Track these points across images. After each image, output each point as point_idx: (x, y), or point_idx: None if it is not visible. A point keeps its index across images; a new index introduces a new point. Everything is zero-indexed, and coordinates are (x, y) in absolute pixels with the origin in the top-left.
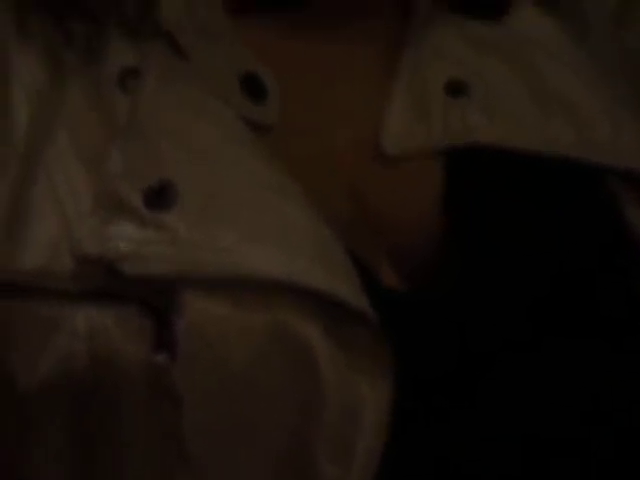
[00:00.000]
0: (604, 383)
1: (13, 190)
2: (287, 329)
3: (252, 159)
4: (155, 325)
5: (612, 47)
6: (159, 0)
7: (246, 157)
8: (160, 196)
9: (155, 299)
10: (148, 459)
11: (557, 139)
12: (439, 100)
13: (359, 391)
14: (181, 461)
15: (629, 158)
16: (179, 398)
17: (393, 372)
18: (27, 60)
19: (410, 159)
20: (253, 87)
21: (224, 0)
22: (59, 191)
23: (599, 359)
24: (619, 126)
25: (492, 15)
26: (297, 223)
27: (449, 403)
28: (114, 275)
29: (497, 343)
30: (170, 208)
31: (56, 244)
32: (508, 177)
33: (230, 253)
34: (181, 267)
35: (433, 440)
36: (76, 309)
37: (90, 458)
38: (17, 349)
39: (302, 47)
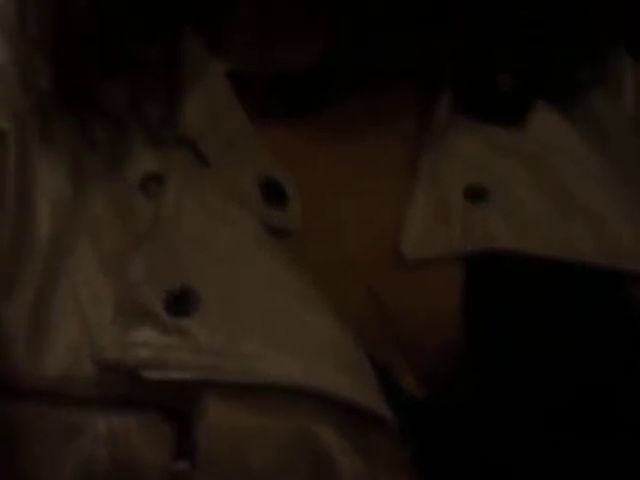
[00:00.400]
0: None
1: (36, 297)
2: (308, 436)
3: (272, 264)
4: (176, 431)
5: (631, 152)
6: (182, 108)
7: (266, 262)
8: (181, 302)
9: (176, 405)
10: None
11: (577, 245)
12: (459, 205)
13: None
14: None
15: None
16: None
17: (412, 474)
18: (51, 168)
19: (430, 264)
20: (273, 192)
21: (245, 106)
22: (81, 297)
23: (619, 461)
24: (635, 229)
25: (511, 121)
26: (317, 329)
27: None
28: (135, 381)
29: (517, 452)
30: (191, 314)
31: (78, 350)
32: (527, 281)
33: (251, 360)
34: (203, 373)
35: None
36: (98, 415)
37: None
38: (40, 453)
39: (322, 150)
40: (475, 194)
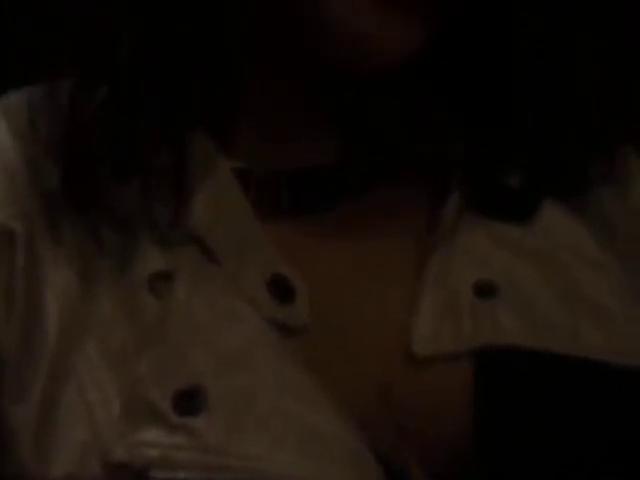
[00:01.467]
0: None
1: (44, 397)
2: None
3: (281, 365)
4: None
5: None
6: (190, 207)
7: (275, 363)
8: (189, 401)
9: None
10: None
11: (585, 342)
12: (468, 301)
13: None
14: None
15: None
16: None
17: None
18: (59, 268)
19: (440, 360)
20: (281, 289)
21: (255, 203)
22: (88, 397)
23: None
24: None
25: (520, 218)
26: (324, 431)
27: None
28: None
29: None
30: (199, 413)
31: (85, 450)
32: (536, 377)
33: (258, 461)
34: (210, 474)
35: None
36: None
37: None
38: None
39: (331, 247)
40: (484, 290)
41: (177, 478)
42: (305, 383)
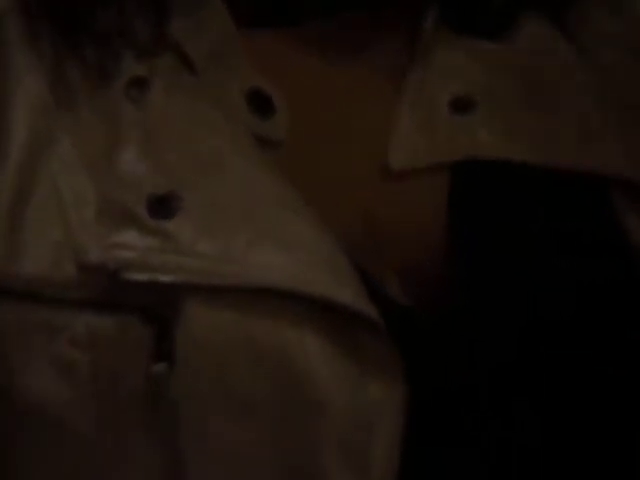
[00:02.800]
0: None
1: (14, 198)
2: (289, 338)
3: (258, 172)
4: (155, 334)
5: (623, 66)
6: (170, 15)
7: (252, 169)
8: (164, 205)
9: (157, 308)
10: (147, 471)
11: (561, 152)
12: (444, 116)
13: (370, 396)
14: (178, 476)
15: (632, 170)
16: (176, 408)
17: (404, 376)
18: (34, 72)
19: (416, 174)
20: (260, 103)
21: (234, 15)
22: (63, 198)
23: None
24: (623, 139)
25: (499, 33)
26: (302, 234)
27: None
28: (117, 283)
29: (505, 357)
30: (173, 217)
31: (59, 251)
32: (510, 189)
33: (233, 263)
34: (185, 276)
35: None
36: (77, 316)
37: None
38: (18, 355)
39: (309, 64)
40: (462, 105)
41: (151, 280)
42: (285, 192)
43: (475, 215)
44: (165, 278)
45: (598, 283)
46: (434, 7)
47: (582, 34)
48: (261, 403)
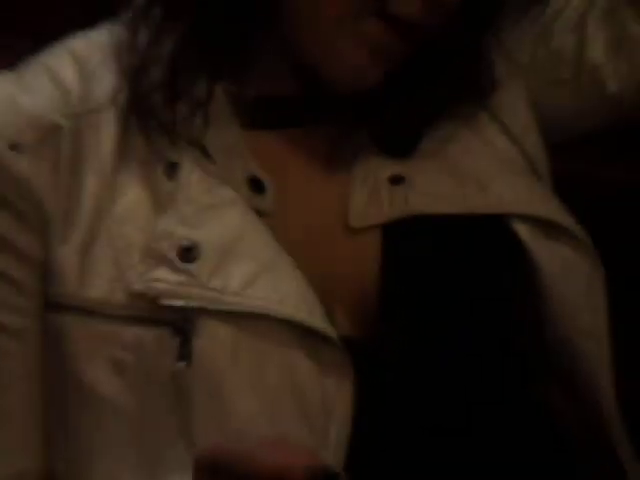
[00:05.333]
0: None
1: (82, 243)
2: (278, 350)
3: (256, 232)
4: (180, 342)
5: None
6: (207, 123)
7: (251, 230)
8: (189, 252)
9: (181, 323)
10: (169, 433)
11: (470, 204)
12: (386, 188)
13: (328, 389)
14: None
15: (526, 206)
16: (192, 394)
17: (353, 377)
18: (99, 153)
19: (365, 232)
20: (257, 185)
21: (241, 118)
22: (116, 245)
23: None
24: (514, 184)
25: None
26: (285, 276)
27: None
28: (154, 306)
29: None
30: (195, 261)
31: (113, 284)
32: (435, 236)
33: (237, 295)
34: (202, 303)
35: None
36: (126, 328)
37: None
38: (80, 355)
39: (294, 156)
40: (396, 180)
41: (180, 305)
42: (274, 246)
43: (404, 261)
44: (189, 304)
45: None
46: (365, 127)
47: (498, 115)
48: (260, 389)
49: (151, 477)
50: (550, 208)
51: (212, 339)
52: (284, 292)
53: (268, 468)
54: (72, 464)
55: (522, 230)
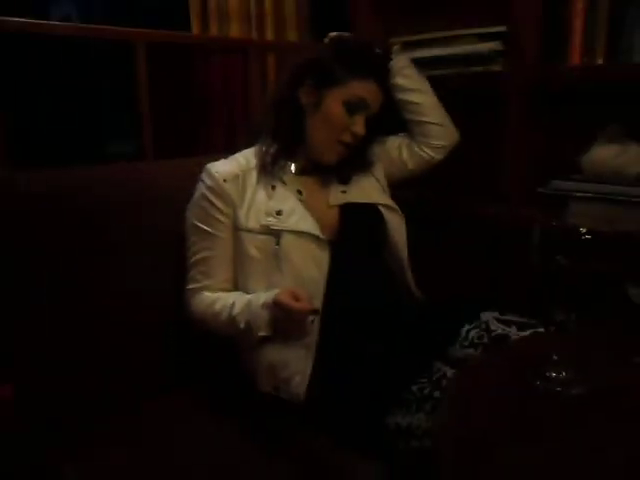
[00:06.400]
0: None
1: (246, 209)
2: (307, 244)
3: (298, 207)
4: (275, 240)
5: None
6: (284, 174)
7: (297, 206)
8: (279, 212)
9: (276, 234)
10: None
11: (366, 199)
12: (340, 193)
13: (323, 257)
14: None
15: (383, 201)
16: (280, 260)
17: (329, 254)
18: (251, 194)
19: (335, 207)
20: (300, 192)
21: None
22: (258, 209)
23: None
24: (379, 194)
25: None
26: (308, 219)
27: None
28: (267, 229)
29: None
30: (280, 215)
31: (256, 222)
32: (357, 209)
33: (291, 224)
34: (281, 227)
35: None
36: (259, 235)
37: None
38: (245, 243)
39: (313, 183)
40: (343, 191)
41: (277, 228)
42: (305, 211)
43: (347, 215)
44: (278, 227)
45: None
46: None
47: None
48: (302, 259)
49: (265, 289)
50: (389, 202)
51: (285, 238)
52: (308, 224)
53: (294, 307)
54: (240, 278)
55: (382, 209)
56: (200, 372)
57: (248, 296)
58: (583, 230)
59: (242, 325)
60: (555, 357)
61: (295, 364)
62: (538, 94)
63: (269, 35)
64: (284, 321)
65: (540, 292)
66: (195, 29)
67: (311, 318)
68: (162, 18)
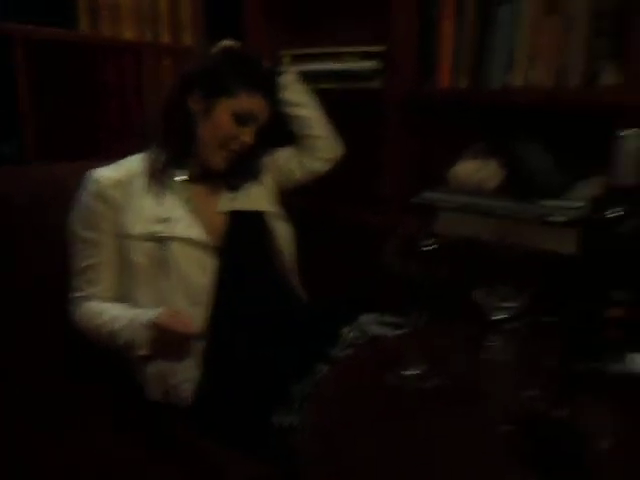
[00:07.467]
0: None
1: (130, 216)
2: (191, 251)
3: (186, 214)
4: (160, 246)
5: None
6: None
7: (185, 213)
8: (166, 219)
9: (162, 240)
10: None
11: (254, 206)
12: (229, 200)
13: (209, 263)
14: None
15: (269, 208)
16: (167, 267)
17: (215, 259)
18: (146, 200)
19: (223, 213)
20: (189, 200)
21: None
22: (141, 216)
23: None
24: (266, 201)
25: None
26: (195, 224)
27: None
28: (152, 236)
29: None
30: (167, 222)
31: (142, 227)
32: (242, 216)
33: (178, 231)
34: (168, 234)
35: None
36: (145, 242)
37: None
38: (130, 249)
39: (203, 189)
40: (231, 198)
41: (163, 235)
42: (192, 217)
43: (234, 221)
44: (165, 234)
45: None
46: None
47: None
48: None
49: (151, 296)
50: (277, 210)
51: (172, 246)
52: (195, 231)
53: (175, 330)
54: (126, 286)
55: (269, 217)
56: (94, 374)
57: (133, 312)
58: (432, 240)
59: (122, 341)
60: (411, 355)
61: (183, 371)
62: (413, 111)
63: (165, 38)
64: (164, 343)
65: (400, 295)
66: (83, 27)
67: (194, 341)
68: (47, 13)
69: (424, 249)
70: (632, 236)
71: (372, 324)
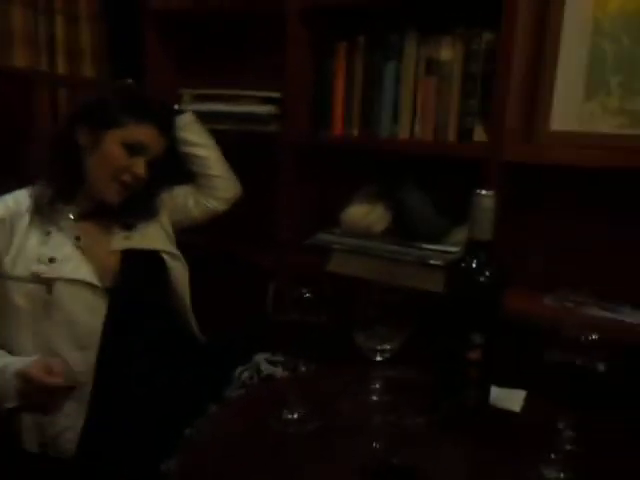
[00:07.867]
0: None
1: (14, 255)
2: (80, 292)
3: (75, 254)
4: (47, 288)
5: None
6: (61, 219)
7: (74, 253)
8: (52, 260)
9: (48, 282)
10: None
11: (150, 245)
12: (122, 239)
13: (99, 305)
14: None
15: (165, 248)
16: (51, 310)
17: (106, 301)
18: (32, 237)
19: (116, 252)
20: (78, 239)
21: (74, 217)
22: (26, 256)
23: None
24: (163, 242)
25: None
26: (84, 265)
27: None
28: (36, 277)
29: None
30: (53, 263)
31: (26, 268)
32: (138, 255)
33: (66, 273)
34: (54, 275)
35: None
36: (27, 284)
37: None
38: (9, 291)
39: (94, 228)
40: (127, 237)
41: (49, 276)
42: (82, 257)
43: (127, 261)
44: (52, 276)
45: None
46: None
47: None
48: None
49: (32, 339)
50: (173, 249)
51: (58, 287)
52: (83, 272)
53: (45, 383)
54: (5, 329)
55: (165, 257)
56: None
57: (5, 359)
58: (307, 289)
59: None
60: (291, 398)
61: (65, 419)
62: (308, 156)
63: (61, 67)
64: (33, 395)
65: (280, 339)
66: None
67: (64, 394)
68: None
69: (301, 297)
70: (487, 285)
71: (264, 363)
